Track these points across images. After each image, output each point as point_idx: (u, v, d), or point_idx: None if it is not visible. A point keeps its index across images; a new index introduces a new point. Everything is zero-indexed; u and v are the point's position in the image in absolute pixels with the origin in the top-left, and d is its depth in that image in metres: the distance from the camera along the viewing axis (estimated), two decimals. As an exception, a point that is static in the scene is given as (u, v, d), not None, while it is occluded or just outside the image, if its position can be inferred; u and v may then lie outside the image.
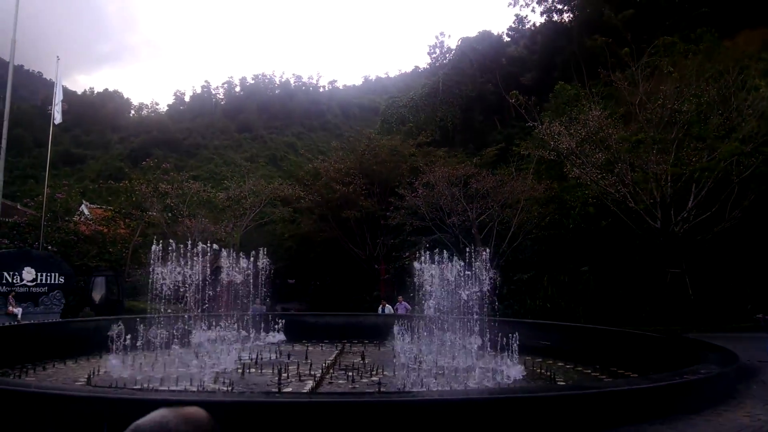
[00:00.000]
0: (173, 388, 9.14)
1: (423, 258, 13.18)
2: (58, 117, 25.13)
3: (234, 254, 16.98)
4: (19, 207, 30.63)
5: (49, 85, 28.35)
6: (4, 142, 21.84)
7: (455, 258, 12.89)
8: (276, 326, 16.55)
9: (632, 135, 22.85)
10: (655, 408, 7.41)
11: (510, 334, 11.16)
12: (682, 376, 8.21)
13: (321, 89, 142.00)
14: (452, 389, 9.27)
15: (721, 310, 20.34)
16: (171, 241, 13.66)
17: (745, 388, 9.18)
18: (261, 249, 17.37)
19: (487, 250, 14.44)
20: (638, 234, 23.23)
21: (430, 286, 12.73)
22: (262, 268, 17.03)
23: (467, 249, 13.73)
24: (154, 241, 13.62)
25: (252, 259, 16.74)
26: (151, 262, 13.46)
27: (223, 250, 16.82)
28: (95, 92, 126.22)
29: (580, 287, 24.02)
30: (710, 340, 12.45)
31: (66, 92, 38.33)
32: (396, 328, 12.27)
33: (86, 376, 10.16)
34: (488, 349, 12.02)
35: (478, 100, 47.76)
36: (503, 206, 26.20)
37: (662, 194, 21.75)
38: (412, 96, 51.33)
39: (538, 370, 11.75)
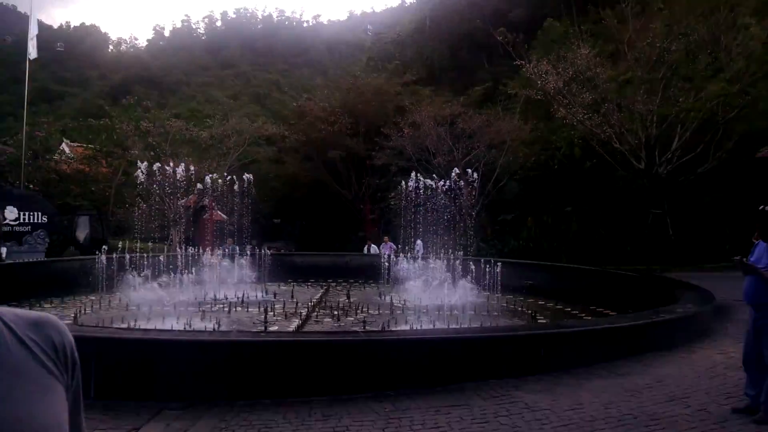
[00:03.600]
0: (159, 327, 9.22)
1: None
2: (33, 52, 24.38)
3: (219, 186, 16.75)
4: (-2, 145, 30.03)
5: (25, 19, 27.30)
6: (-22, 78, 21.18)
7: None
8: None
9: (620, 74, 22.64)
10: (631, 345, 7.62)
11: (493, 273, 11.35)
12: (658, 315, 8.43)
13: (305, 24, 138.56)
14: (433, 328, 9.45)
15: (701, 249, 20.73)
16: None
17: (721, 326, 9.46)
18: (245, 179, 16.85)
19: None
20: (622, 175, 23.36)
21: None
22: (244, 204, 16.81)
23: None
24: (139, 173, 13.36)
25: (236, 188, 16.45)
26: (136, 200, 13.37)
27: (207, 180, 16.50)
28: (72, 27, 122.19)
29: (563, 227, 24.27)
30: (689, 280, 12.74)
31: (41, 26, 37.06)
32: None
33: (72, 315, 10.21)
34: (472, 286, 12.25)
35: (465, 37, 46.70)
36: (489, 147, 26.09)
37: (647, 135, 21.77)
38: (398, 32, 50.19)
39: (521, 309, 12.00)
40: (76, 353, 1.00)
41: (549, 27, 32.64)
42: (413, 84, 34.86)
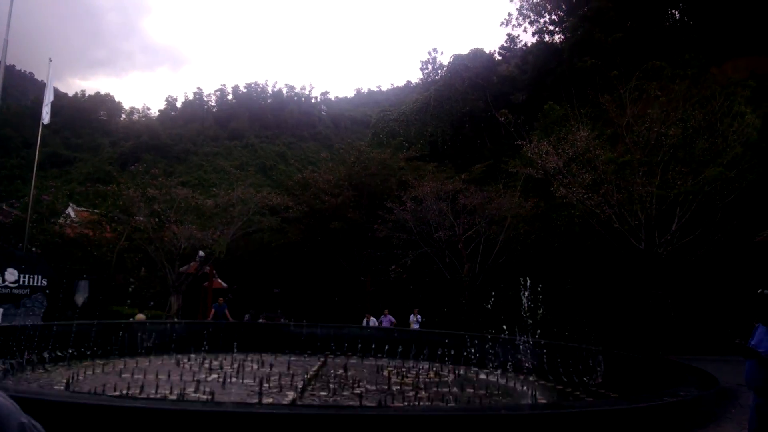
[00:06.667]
0: (152, 395, 9.08)
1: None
2: (46, 117, 25.03)
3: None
4: (4, 207, 30.35)
5: (41, 87, 28.20)
6: (-9, 141, 21.69)
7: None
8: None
9: (619, 157, 23.08)
10: (634, 430, 7.45)
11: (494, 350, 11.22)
12: (662, 398, 8.28)
13: (313, 100, 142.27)
14: (432, 405, 9.28)
15: (702, 332, 20.51)
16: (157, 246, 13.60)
17: (724, 411, 9.27)
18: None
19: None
20: (622, 255, 23.40)
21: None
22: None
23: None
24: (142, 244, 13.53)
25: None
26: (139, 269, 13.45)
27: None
28: (87, 95, 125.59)
29: (563, 306, 24.09)
30: (691, 363, 12.56)
31: (57, 94, 38.18)
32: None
33: (65, 381, 10.06)
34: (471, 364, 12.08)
35: (468, 116, 48.04)
36: (490, 223, 26.32)
37: (647, 216, 21.96)
38: (403, 110, 51.55)
39: (521, 387, 11.79)
40: None
41: (549, 109, 33.55)
42: (416, 159, 35.53)
